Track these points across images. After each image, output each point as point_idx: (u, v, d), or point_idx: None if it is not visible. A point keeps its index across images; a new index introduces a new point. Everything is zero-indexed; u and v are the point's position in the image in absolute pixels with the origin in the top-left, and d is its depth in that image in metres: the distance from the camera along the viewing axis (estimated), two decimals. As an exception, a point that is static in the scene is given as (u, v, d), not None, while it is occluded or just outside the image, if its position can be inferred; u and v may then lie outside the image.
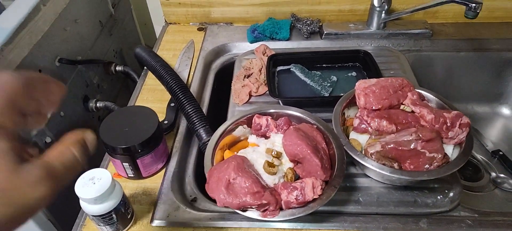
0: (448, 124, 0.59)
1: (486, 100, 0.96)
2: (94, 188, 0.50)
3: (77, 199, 0.52)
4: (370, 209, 0.59)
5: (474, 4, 0.72)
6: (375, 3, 0.87)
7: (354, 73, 0.81)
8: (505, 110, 0.95)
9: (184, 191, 0.65)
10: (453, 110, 0.61)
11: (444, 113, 0.60)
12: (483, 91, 0.94)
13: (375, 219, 0.58)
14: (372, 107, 0.62)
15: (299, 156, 0.55)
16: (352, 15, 0.96)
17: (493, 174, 0.84)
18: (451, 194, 0.60)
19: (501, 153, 0.86)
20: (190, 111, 0.71)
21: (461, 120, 0.59)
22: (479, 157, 0.88)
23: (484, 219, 0.57)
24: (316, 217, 0.58)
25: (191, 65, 0.89)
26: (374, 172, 0.60)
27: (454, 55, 0.89)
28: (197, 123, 0.70)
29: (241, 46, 0.93)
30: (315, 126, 0.62)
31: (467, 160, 0.57)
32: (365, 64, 0.81)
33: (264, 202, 0.50)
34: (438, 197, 0.60)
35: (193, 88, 0.83)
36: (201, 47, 0.94)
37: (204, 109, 0.81)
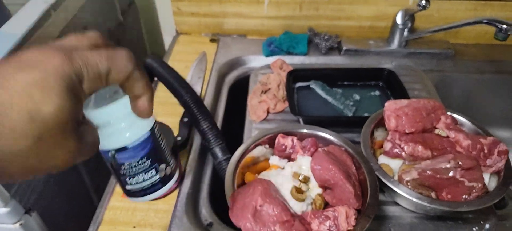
0: (486, 151, 0.55)
1: (508, 125, 0.93)
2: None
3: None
4: (403, 241, 0.55)
5: (505, 26, 0.69)
6: (398, 20, 0.84)
7: (377, 93, 0.78)
8: (528, 136, 0.92)
9: (199, 214, 0.61)
10: (488, 137, 0.57)
11: (481, 140, 0.56)
12: (506, 115, 0.91)
13: (408, 252, 0.54)
14: (404, 130, 0.58)
15: (330, 182, 0.51)
16: (372, 32, 0.93)
17: (520, 203, 0.80)
18: (487, 226, 0.56)
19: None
20: (206, 128, 0.66)
21: (499, 147, 0.55)
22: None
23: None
24: (345, 249, 0.53)
25: (204, 78, 0.85)
26: (407, 201, 0.56)
27: (478, 77, 0.86)
28: (212, 140, 0.66)
29: (256, 60, 0.90)
30: (344, 149, 0.58)
31: (507, 189, 0.53)
32: (388, 84, 0.78)
33: (295, 233, 0.45)
34: (473, 229, 0.56)
35: (207, 103, 0.78)
36: (214, 60, 0.90)
37: (219, 125, 0.76)
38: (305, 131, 0.60)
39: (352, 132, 0.67)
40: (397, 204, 0.59)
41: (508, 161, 0.56)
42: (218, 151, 0.65)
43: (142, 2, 1.06)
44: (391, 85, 0.76)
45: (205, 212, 0.61)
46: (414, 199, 0.51)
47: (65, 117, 0.24)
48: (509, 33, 0.70)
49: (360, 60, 0.88)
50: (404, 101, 0.61)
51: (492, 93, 0.88)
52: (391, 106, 0.61)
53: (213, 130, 0.67)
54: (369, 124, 0.62)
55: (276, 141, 0.59)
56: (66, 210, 0.70)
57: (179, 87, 0.72)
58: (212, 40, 0.97)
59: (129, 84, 0.29)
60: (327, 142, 0.59)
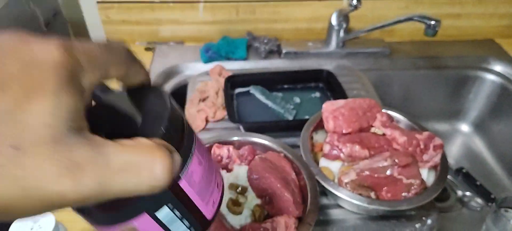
0: (422, 146, 0.55)
1: (445, 118, 0.96)
2: None
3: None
4: (347, 245, 0.53)
5: (433, 22, 0.71)
6: (333, 21, 0.84)
7: (318, 94, 0.77)
8: (464, 128, 0.96)
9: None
10: (424, 131, 0.57)
11: (417, 135, 0.56)
12: (442, 109, 0.94)
13: (353, 255, 0.52)
14: (342, 131, 0.57)
15: (268, 191, 0.48)
16: (310, 33, 0.92)
17: (460, 193, 0.83)
18: (429, 221, 0.56)
19: (464, 170, 0.86)
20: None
21: (434, 142, 0.55)
22: (442, 175, 0.86)
23: (465, 246, 0.53)
24: (288, 260, 0.50)
25: (138, 89, 0.79)
26: (348, 203, 0.54)
27: (413, 73, 0.88)
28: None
29: (195, 67, 0.85)
30: (283, 155, 0.55)
31: (444, 184, 0.53)
32: (328, 85, 0.77)
33: (230, 252, 0.41)
34: (416, 226, 0.55)
35: (141, 116, 0.73)
36: (149, 69, 0.85)
37: (154, 139, 0.71)
38: (241, 138, 0.57)
39: (293, 136, 0.65)
40: (340, 206, 0.57)
41: (444, 154, 0.56)
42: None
43: (69, 11, 0.98)
44: (331, 86, 0.75)
45: None
46: (354, 201, 0.50)
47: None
48: (437, 29, 0.72)
49: (300, 62, 0.86)
50: (340, 102, 0.60)
51: (428, 88, 0.91)
52: (328, 107, 0.59)
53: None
54: (308, 127, 0.60)
55: (212, 151, 0.55)
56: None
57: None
58: (147, 49, 0.92)
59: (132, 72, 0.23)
60: (265, 149, 0.56)
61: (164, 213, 0.21)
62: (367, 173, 0.51)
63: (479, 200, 0.81)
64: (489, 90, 0.88)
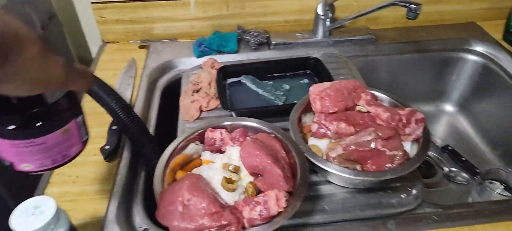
0: (404, 121, 0.58)
1: (430, 99, 1.00)
2: (35, 219, 0.42)
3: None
4: (337, 217, 0.56)
5: (414, 6, 0.75)
6: (320, 11, 0.87)
7: (306, 81, 0.80)
8: (448, 108, 1.00)
9: (132, 222, 0.58)
10: (406, 107, 0.61)
11: (399, 111, 0.59)
12: (427, 91, 0.98)
13: (343, 226, 0.55)
14: (328, 110, 0.60)
15: (259, 168, 0.51)
16: (298, 25, 0.96)
17: (446, 169, 0.87)
18: (414, 192, 0.59)
19: (450, 147, 0.89)
20: (135, 132, 0.64)
21: (416, 116, 0.59)
22: (431, 154, 0.90)
23: (449, 212, 0.57)
24: (282, 232, 0.54)
25: (134, 84, 0.82)
26: (337, 177, 0.58)
27: (398, 58, 0.92)
28: (143, 144, 0.64)
29: (188, 62, 0.89)
30: (273, 135, 0.58)
31: (427, 154, 0.56)
32: (316, 71, 0.80)
33: (224, 222, 0.44)
34: (402, 196, 0.58)
35: (137, 109, 0.76)
36: (144, 65, 0.88)
37: (151, 130, 0.74)
38: (233, 122, 0.60)
39: (284, 120, 0.68)
40: (329, 182, 0.60)
41: (426, 128, 0.59)
42: (150, 154, 0.63)
43: (64, 14, 1.01)
44: (318, 73, 0.79)
45: (139, 219, 0.58)
46: (341, 174, 0.53)
47: None
48: (418, 12, 0.76)
49: (289, 52, 0.90)
50: (327, 84, 0.63)
51: (413, 71, 0.94)
52: (315, 89, 0.62)
53: (143, 134, 0.65)
54: (296, 109, 0.63)
55: (206, 135, 0.58)
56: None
57: (104, 94, 0.69)
58: (141, 47, 0.95)
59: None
60: (256, 131, 0.60)
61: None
62: (353, 147, 0.55)
63: (464, 175, 0.85)
64: (471, 71, 0.92)
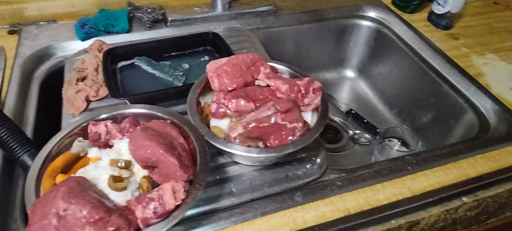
0: (303, 91, 0.57)
1: (333, 67, 1.03)
2: None
3: None
4: (245, 197, 0.54)
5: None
6: (216, -18, 0.82)
7: (206, 58, 0.75)
8: (349, 73, 1.04)
9: (8, 242, 0.49)
10: (305, 78, 0.60)
11: (297, 82, 0.58)
12: (329, 59, 1.01)
13: (252, 206, 0.53)
14: (227, 88, 0.56)
15: (152, 160, 0.46)
16: (195, -2, 0.90)
17: (351, 132, 0.91)
18: (318, 160, 0.60)
19: (353, 111, 0.93)
20: (4, 135, 0.54)
21: (314, 85, 0.58)
22: (336, 119, 0.93)
23: (351, 176, 0.58)
24: (186, 224, 0.50)
25: (2, 77, 0.69)
26: (242, 157, 0.55)
27: (299, 28, 0.92)
28: (17, 148, 0.54)
29: (71, 46, 0.77)
30: (169, 121, 0.53)
31: (326, 122, 0.57)
32: (216, 47, 0.76)
33: (111, 229, 0.39)
34: (307, 166, 0.58)
35: (8, 106, 0.64)
36: (15, 54, 0.74)
37: (29, 130, 0.63)
38: (121, 112, 0.53)
39: (184, 103, 0.63)
40: (236, 163, 0.58)
41: (323, 96, 0.59)
42: (27, 159, 0.54)
43: None
44: (219, 48, 0.74)
45: (17, 237, 0.49)
46: (244, 153, 0.50)
47: None
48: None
49: (188, 29, 0.84)
50: (223, 60, 0.59)
51: (314, 40, 0.95)
52: (212, 66, 0.58)
53: (15, 136, 0.55)
54: (194, 90, 0.58)
55: (88, 130, 0.51)
56: None
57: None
58: (11, 32, 0.80)
59: None
60: (149, 118, 0.54)
61: None
62: (253, 124, 0.52)
63: (367, 136, 0.90)
64: (366, 36, 0.96)
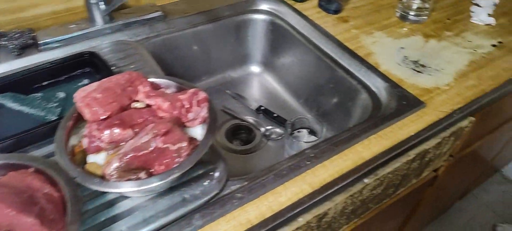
0: (187, 106, 0.53)
1: (238, 65, 1.00)
2: None
3: None
4: (139, 235, 0.49)
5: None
6: (89, -5, 0.74)
7: (86, 81, 0.68)
8: (254, 69, 1.02)
9: None
10: (189, 90, 0.56)
11: (179, 96, 0.54)
12: (233, 57, 0.98)
13: (145, 243, 0.48)
14: (99, 118, 0.50)
15: (5, 225, 0.39)
16: (71, 14, 0.80)
17: (263, 129, 0.89)
18: (217, 174, 0.56)
19: (262, 107, 0.92)
20: None
21: (198, 97, 0.54)
22: (249, 119, 0.91)
23: (252, 184, 0.56)
24: None
25: None
26: (129, 192, 0.50)
27: (193, 31, 0.87)
28: None
29: None
30: (32, 169, 0.46)
31: (214, 135, 0.53)
32: (95, 67, 0.69)
33: None
34: (205, 184, 0.55)
35: None
36: None
37: None
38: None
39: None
40: (126, 197, 0.52)
41: (210, 106, 0.56)
42: None
43: None
44: (98, 68, 0.67)
45: None
46: (122, 190, 0.45)
47: None
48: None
49: (66, 50, 0.75)
50: (93, 85, 0.53)
51: (212, 42, 0.92)
52: (79, 95, 0.52)
53: None
54: (63, 125, 0.51)
55: None
56: None
57: None
58: None
59: None
60: (7, 169, 0.46)
61: None
62: (131, 155, 0.47)
63: (278, 130, 0.89)
64: (263, 30, 0.95)
